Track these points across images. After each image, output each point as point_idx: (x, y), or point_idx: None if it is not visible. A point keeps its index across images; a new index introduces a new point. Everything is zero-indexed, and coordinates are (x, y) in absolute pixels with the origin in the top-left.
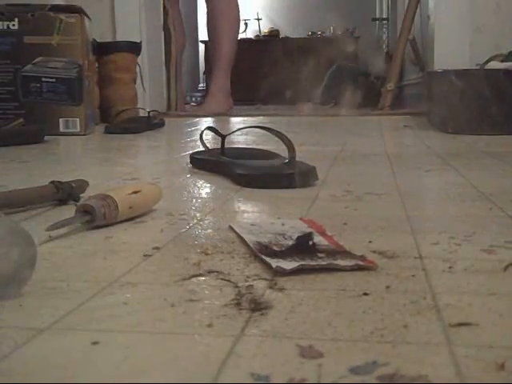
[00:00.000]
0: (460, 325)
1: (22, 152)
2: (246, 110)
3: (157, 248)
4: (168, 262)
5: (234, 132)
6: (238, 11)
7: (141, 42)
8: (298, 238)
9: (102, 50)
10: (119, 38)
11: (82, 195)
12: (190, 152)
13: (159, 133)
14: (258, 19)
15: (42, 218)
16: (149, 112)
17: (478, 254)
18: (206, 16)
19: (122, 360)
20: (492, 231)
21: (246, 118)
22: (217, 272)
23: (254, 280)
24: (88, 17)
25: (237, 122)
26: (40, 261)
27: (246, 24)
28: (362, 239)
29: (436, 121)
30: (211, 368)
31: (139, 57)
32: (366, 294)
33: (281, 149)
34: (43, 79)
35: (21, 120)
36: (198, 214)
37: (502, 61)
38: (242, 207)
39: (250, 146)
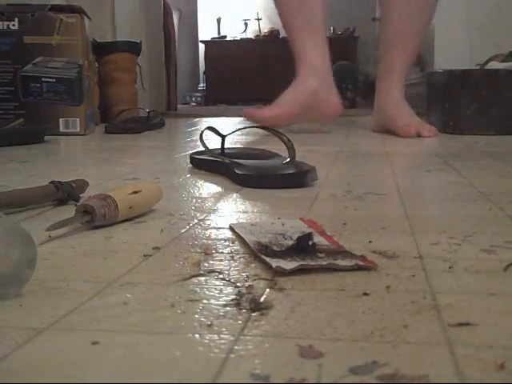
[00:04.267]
0: (460, 325)
1: (22, 152)
2: None
3: (157, 248)
4: (168, 262)
5: (234, 132)
6: None
7: (141, 42)
8: (298, 238)
9: (102, 50)
10: (119, 38)
11: (81, 195)
12: (190, 152)
13: (159, 133)
14: (258, 19)
15: (42, 218)
16: (149, 112)
17: (478, 254)
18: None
19: (121, 360)
20: (492, 231)
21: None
22: (217, 272)
23: (254, 280)
24: (88, 17)
25: (237, 122)
26: (40, 261)
27: (245, 24)
28: (362, 239)
29: (436, 121)
30: (211, 368)
31: (139, 57)
32: (366, 294)
33: (281, 149)
34: (43, 79)
35: (21, 120)
36: (197, 214)
37: (502, 61)
38: (242, 207)
39: (250, 146)
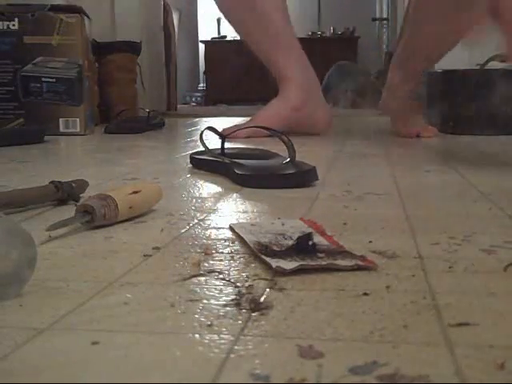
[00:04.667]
0: (460, 325)
1: (22, 152)
2: (246, 110)
3: (157, 248)
4: (168, 262)
5: (234, 132)
6: None
7: (141, 42)
8: (298, 238)
9: (102, 49)
10: (119, 38)
11: (81, 195)
12: (190, 152)
13: (159, 133)
14: None
15: (42, 218)
16: (149, 112)
17: (478, 254)
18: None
19: (121, 360)
20: (492, 231)
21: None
22: (217, 272)
23: (254, 280)
24: (88, 17)
25: (237, 122)
26: (40, 261)
27: None
28: (361, 239)
29: (436, 121)
30: (211, 368)
31: (139, 57)
32: (366, 294)
33: (281, 149)
34: (43, 79)
35: (21, 120)
36: (197, 214)
37: (502, 61)
38: (242, 207)
39: (250, 146)
